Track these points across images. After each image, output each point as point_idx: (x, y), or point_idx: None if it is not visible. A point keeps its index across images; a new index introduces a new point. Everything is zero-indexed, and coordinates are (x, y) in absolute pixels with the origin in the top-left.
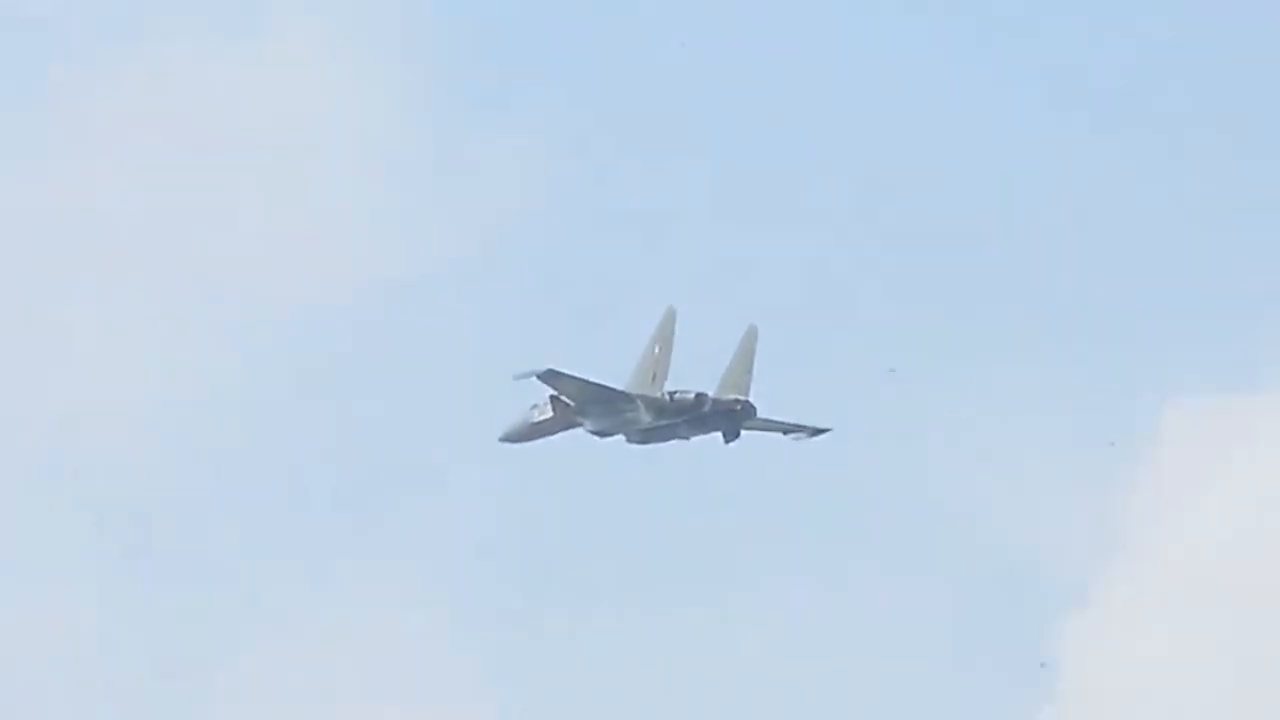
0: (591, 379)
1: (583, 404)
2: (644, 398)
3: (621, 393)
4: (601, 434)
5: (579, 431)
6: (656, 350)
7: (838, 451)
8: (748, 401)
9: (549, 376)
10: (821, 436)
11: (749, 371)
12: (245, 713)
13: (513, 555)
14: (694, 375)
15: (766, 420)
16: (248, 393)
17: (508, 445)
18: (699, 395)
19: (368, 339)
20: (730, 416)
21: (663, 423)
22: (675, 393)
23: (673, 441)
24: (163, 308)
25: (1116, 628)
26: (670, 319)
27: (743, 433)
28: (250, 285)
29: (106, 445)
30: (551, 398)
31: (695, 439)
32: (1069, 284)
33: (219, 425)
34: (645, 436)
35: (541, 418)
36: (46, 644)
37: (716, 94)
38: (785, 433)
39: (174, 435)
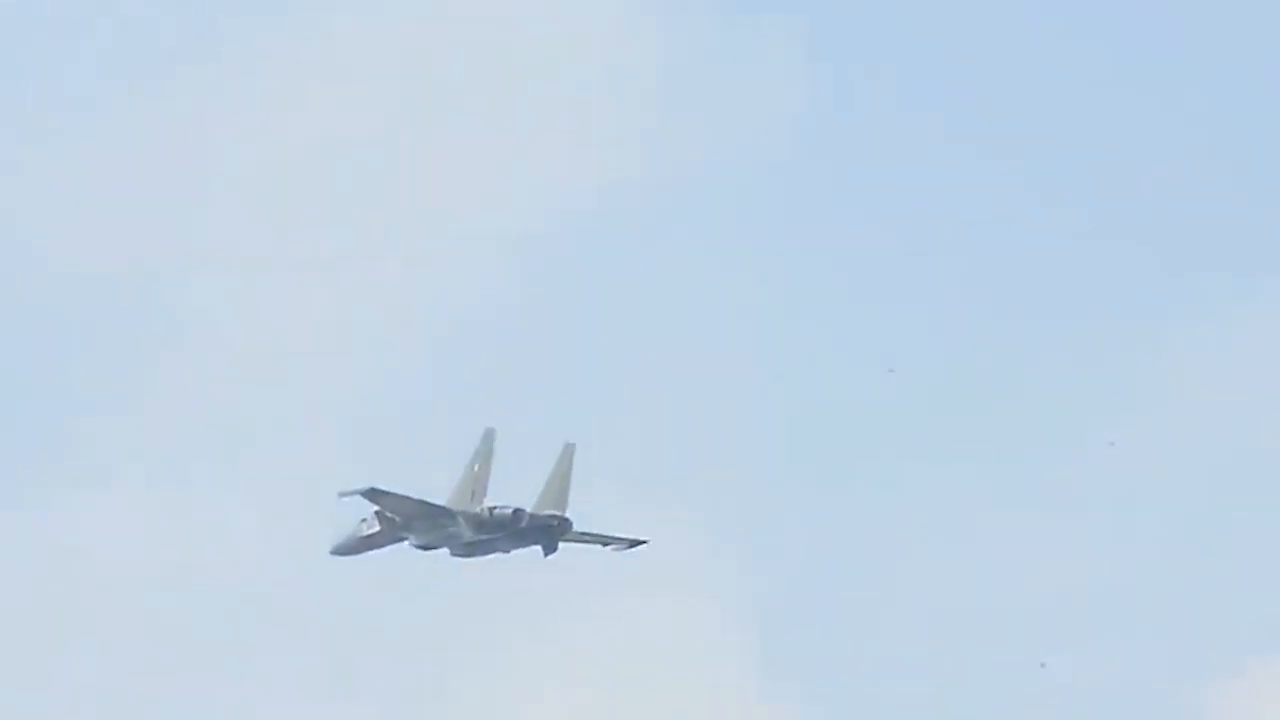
0: (413, 495)
1: (407, 519)
2: (464, 513)
3: (442, 508)
4: (426, 547)
5: (406, 545)
6: (476, 468)
7: None
8: (564, 516)
9: (372, 494)
10: (639, 548)
11: (566, 487)
12: None
13: None
14: (519, 491)
15: (584, 534)
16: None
17: (338, 558)
18: (517, 511)
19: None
20: (548, 530)
21: (483, 537)
22: (495, 508)
23: (494, 554)
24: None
25: None
26: (489, 438)
27: (561, 545)
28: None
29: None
30: (377, 513)
31: (515, 552)
32: None
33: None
34: (468, 550)
35: (369, 531)
36: None
37: None
38: (604, 544)
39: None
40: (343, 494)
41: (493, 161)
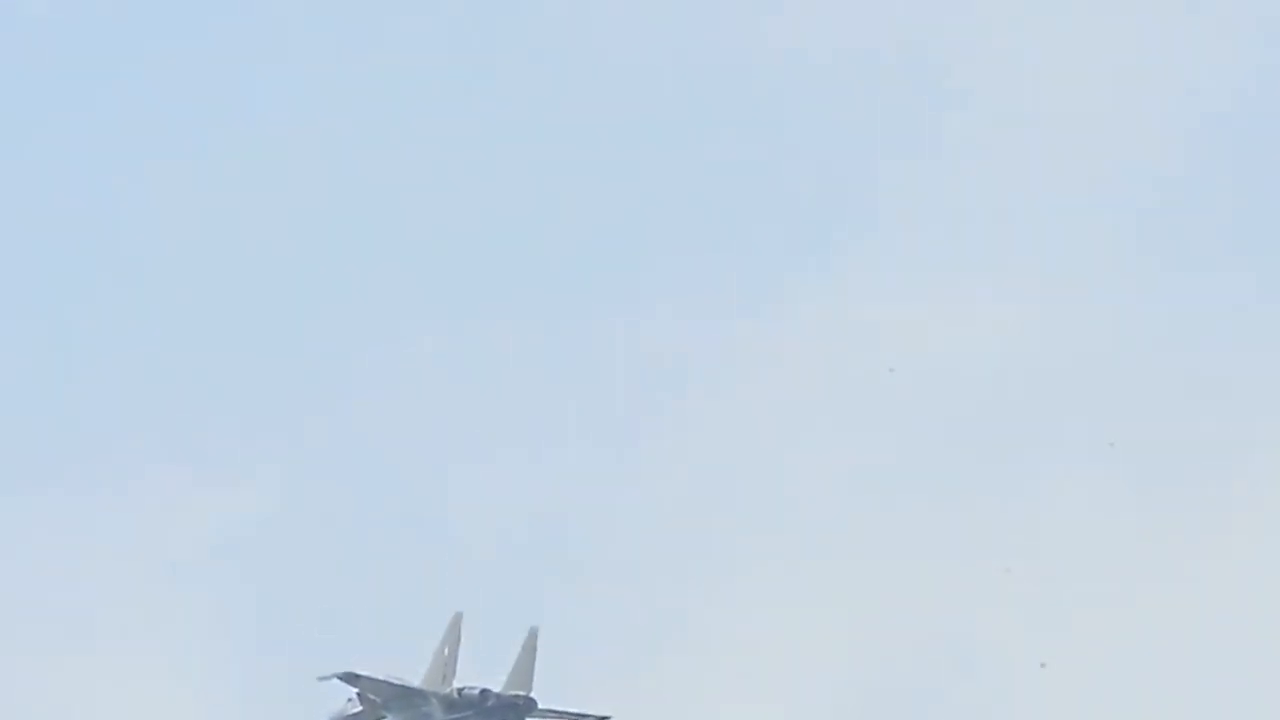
0: (386, 678)
1: (385, 699)
2: (435, 694)
3: (415, 689)
4: None
5: None
6: (446, 651)
7: None
8: (529, 696)
9: (348, 678)
10: None
11: (531, 668)
12: None
13: None
14: (490, 671)
15: (549, 710)
16: None
17: None
18: (483, 691)
19: None
20: (514, 709)
21: (454, 716)
22: (463, 689)
23: None
24: None
25: None
26: (457, 623)
27: None
28: None
29: None
30: (359, 693)
31: None
32: None
33: None
34: None
35: (354, 710)
36: None
37: None
38: None
39: None
40: (321, 678)
41: None
